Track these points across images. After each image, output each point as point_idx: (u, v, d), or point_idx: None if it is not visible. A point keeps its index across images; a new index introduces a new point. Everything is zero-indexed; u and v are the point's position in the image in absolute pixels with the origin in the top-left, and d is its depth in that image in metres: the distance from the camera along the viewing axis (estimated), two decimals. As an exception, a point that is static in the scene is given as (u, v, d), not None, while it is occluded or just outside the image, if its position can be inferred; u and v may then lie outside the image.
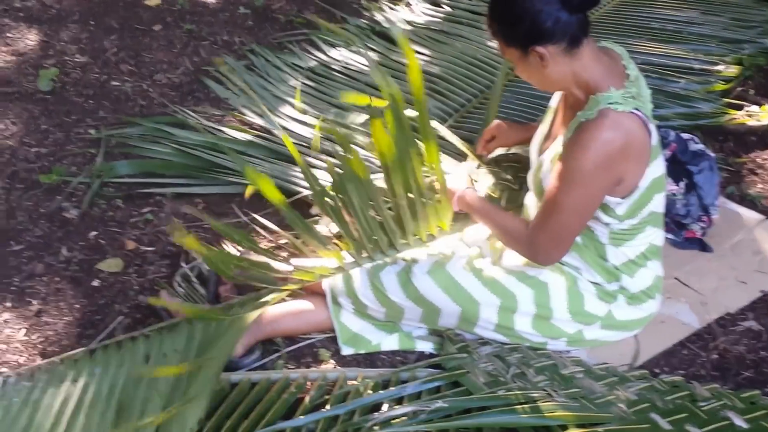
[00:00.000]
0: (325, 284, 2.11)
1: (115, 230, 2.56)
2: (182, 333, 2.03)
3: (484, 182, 2.33)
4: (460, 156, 2.49)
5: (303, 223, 1.98)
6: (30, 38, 3.44)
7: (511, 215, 2.04)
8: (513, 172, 2.37)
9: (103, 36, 3.47)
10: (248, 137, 2.83)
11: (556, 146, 1.90)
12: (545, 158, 1.95)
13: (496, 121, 2.36)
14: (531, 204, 2.07)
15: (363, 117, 2.87)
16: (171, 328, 2.08)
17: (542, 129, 2.08)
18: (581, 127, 1.78)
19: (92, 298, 2.33)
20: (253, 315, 1.97)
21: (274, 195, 1.85)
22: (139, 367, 1.92)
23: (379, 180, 2.26)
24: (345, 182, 1.91)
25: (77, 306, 2.30)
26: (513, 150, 2.45)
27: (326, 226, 2.44)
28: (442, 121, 2.87)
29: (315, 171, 2.57)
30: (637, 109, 1.77)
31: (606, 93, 1.77)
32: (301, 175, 2.62)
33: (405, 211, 2.05)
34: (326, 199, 1.92)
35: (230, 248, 2.45)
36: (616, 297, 2.03)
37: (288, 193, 2.55)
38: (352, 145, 1.93)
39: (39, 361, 2.11)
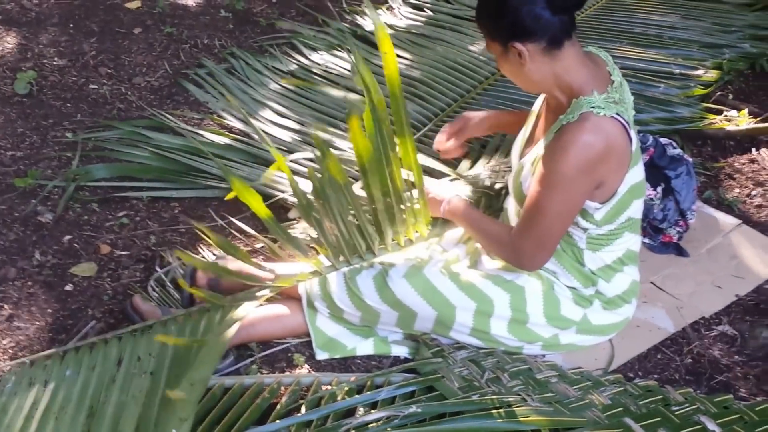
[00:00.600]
0: (301, 288, 2.11)
1: (89, 234, 2.54)
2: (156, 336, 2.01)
3: (462, 191, 2.34)
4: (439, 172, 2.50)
5: (286, 234, 1.99)
6: (8, 41, 3.42)
7: (495, 222, 2.04)
8: (492, 180, 2.38)
9: (82, 39, 3.45)
10: (227, 141, 2.83)
11: (537, 150, 1.91)
12: (526, 161, 1.95)
13: (463, 115, 2.36)
14: (511, 208, 2.07)
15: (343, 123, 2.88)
16: (144, 331, 2.07)
17: (524, 133, 2.08)
18: (562, 130, 1.79)
19: (65, 302, 2.31)
20: (247, 313, 1.96)
21: (260, 209, 1.86)
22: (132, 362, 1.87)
23: (357, 185, 2.28)
24: (324, 187, 1.92)
25: (50, 311, 2.29)
26: (492, 163, 2.46)
27: (304, 232, 2.44)
28: (422, 125, 2.87)
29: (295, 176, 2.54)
30: (618, 114, 1.78)
31: (589, 97, 1.78)
32: (279, 178, 2.62)
33: (383, 216, 2.05)
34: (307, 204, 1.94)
35: (207, 253, 2.45)
36: (592, 302, 2.04)
37: (265, 196, 2.55)
38: (332, 150, 1.93)
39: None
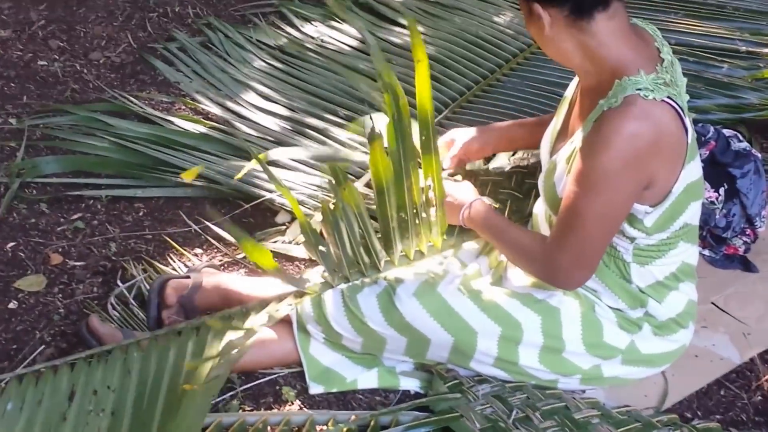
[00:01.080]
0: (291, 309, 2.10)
1: (37, 241, 2.54)
2: (116, 365, 2.02)
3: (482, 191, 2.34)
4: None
5: (286, 278, 2.06)
6: (-62, 8, 3.43)
7: (525, 231, 2.05)
8: (518, 178, 2.38)
9: (29, 5, 3.45)
10: (202, 129, 2.84)
11: (573, 143, 1.91)
12: (559, 159, 1.95)
13: (449, 133, 2.37)
14: (541, 214, 2.07)
15: (346, 111, 2.89)
16: (102, 357, 2.06)
17: (555, 124, 2.08)
18: (603, 117, 1.78)
19: (8, 323, 2.29)
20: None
21: (268, 262, 1.91)
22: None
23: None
24: (337, 220, 2.00)
25: (-11, 332, 2.29)
26: (519, 153, 2.45)
27: (295, 240, 2.46)
28: (438, 112, 2.88)
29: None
30: (670, 97, 1.78)
31: (634, 77, 1.78)
32: (265, 176, 2.58)
33: (395, 232, 2.10)
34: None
35: (178, 264, 2.45)
36: (640, 326, 2.03)
37: (249, 197, 2.59)
38: (348, 174, 1.99)
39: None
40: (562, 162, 1.94)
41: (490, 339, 2.01)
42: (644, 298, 2.01)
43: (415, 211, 2.09)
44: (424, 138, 2.01)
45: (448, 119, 2.85)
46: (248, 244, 1.86)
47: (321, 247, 2.01)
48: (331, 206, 2.00)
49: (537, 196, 2.12)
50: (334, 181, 1.98)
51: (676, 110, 1.79)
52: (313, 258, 2.19)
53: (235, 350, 1.85)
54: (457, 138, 2.35)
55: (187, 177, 1.90)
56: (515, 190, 2.34)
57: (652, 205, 1.88)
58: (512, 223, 2.10)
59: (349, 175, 2.53)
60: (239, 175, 2.20)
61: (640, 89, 1.76)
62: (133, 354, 2.04)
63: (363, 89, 2.95)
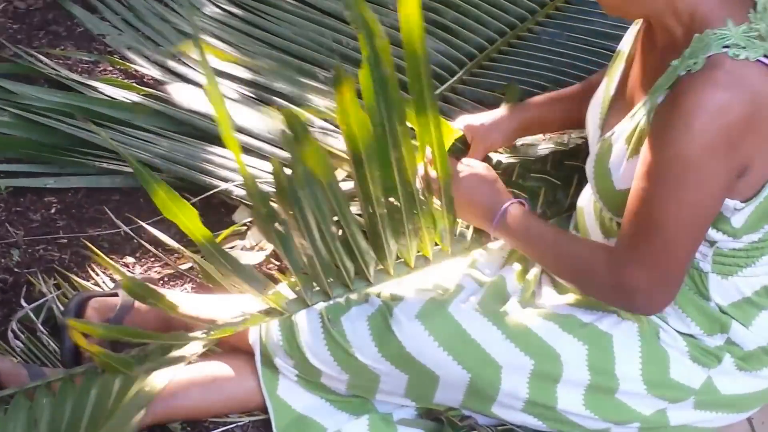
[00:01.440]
0: (253, 335, 2.12)
1: None
2: (18, 414, 2.00)
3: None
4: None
5: (238, 269, 2.03)
6: None
7: (582, 242, 2.04)
8: (555, 158, 2.37)
9: None
10: (135, 98, 2.85)
11: (636, 118, 1.90)
12: (616, 138, 1.94)
13: (459, 121, 2.37)
14: (589, 206, 2.07)
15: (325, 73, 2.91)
16: (0, 403, 2.05)
17: (606, 88, 2.08)
18: (679, 84, 1.78)
19: None
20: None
21: (195, 229, 1.91)
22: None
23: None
24: (296, 188, 1.92)
25: None
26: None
27: (255, 243, 2.48)
28: (448, 75, 2.89)
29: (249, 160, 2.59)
30: (767, 56, 1.76)
31: (720, 29, 1.77)
32: (218, 160, 2.63)
33: (384, 224, 2.06)
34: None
35: (103, 278, 2.46)
36: (720, 357, 2.02)
37: (198, 188, 2.60)
38: (312, 129, 1.95)
39: None
40: (620, 142, 1.93)
41: (519, 376, 2.01)
42: (726, 320, 2.00)
43: (411, 196, 2.04)
44: (415, 93, 1.95)
45: (464, 83, 2.85)
46: (158, 189, 1.88)
47: (277, 225, 1.96)
48: (288, 171, 1.91)
49: (581, 183, 2.12)
50: (290, 133, 1.85)
51: None
52: (271, 245, 2.25)
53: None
54: (472, 131, 2.34)
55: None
56: (551, 174, 2.34)
57: (744, 199, 1.86)
58: (561, 230, 2.10)
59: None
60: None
61: (727, 46, 1.75)
62: (42, 400, 2.01)
63: (351, 44, 2.97)
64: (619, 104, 2.01)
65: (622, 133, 1.92)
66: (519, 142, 2.49)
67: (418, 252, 2.17)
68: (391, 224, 2.06)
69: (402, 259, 2.17)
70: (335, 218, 2.01)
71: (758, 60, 1.74)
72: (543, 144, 2.42)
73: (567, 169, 2.33)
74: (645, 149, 1.81)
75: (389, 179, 1.99)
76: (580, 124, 2.21)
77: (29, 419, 1.98)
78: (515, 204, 2.09)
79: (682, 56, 1.78)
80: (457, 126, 2.37)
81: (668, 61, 1.81)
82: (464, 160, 2.19)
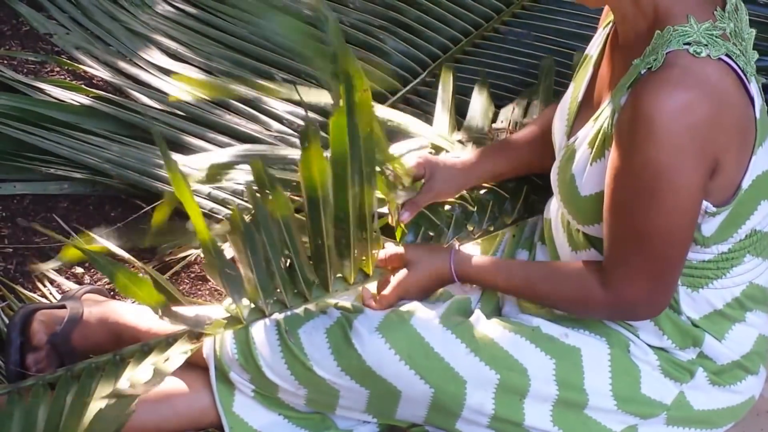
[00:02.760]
0: (207, 348, 2.10)
1: None
2: None
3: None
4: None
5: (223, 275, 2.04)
6: None
7: (563, 267, 2.03)
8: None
9: None
10: (84, 100, 2.82)
11: (599, 120, 1.90)
12: (580, 142, 1.95)
13: (419, 155, 2.34)
14: (556, 221, 2.07)
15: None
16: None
17: (572, 93, 2.08)
18: (640, 83, 1.78)
19: None
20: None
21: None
22: None
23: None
24: (255, 227, 1.99)
25: None
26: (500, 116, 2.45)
27: None
28: (412, 76, 2.89)
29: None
30: (729, 56, 1.77)
31: (681, 26, 1.77)
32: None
33: (332, 247, 2.09)
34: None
35: (51, 288, 2.44)
36: (692, 372, 2.03)
37: (150, 195, 2.60)
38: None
39: None
40: (583, 147, 1.93)
41: (485, 390, 2.00)
42: (698, 333, 2.00)
43: (363, 225, 2.07)
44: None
45: (427, 85, 2.86)
46: (178, 180, 1.83)
47: (227, 270, 2.02)
48: (247, 217, 1.97)
49: (530, 195, 2.18)
50: (256, 186, 1.95)
51: (737, 72, 1.78)
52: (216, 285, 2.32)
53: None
54: (431, 169, 2.29)
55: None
56: (497, 185, 2.33)
57: (717, 203, 1.86)
58: (530, 262, 2.13)
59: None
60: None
61: (689, 44, 1.75)
62: None
63: (309, 46, 2.91)
64: (585, 110, 2.01)
65: (585, 138, 1.93)
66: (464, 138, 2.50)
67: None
68: (340, 248, 2.09)
69: (362, 268, 2.16)
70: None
71: (720, 58, 1.75)
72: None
73: (516, 180, 2.34)
74: (612, 158, 1.82)
75: (342, 211, 2.02)
76: (535, 169, 2.25)
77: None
78: (457, 252, 2.11)
79: (644, 53, 1.80)
80: (410, 161, 2.31)
81: (631, 59, 1.82)
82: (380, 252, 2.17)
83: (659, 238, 1.82)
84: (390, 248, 2.19)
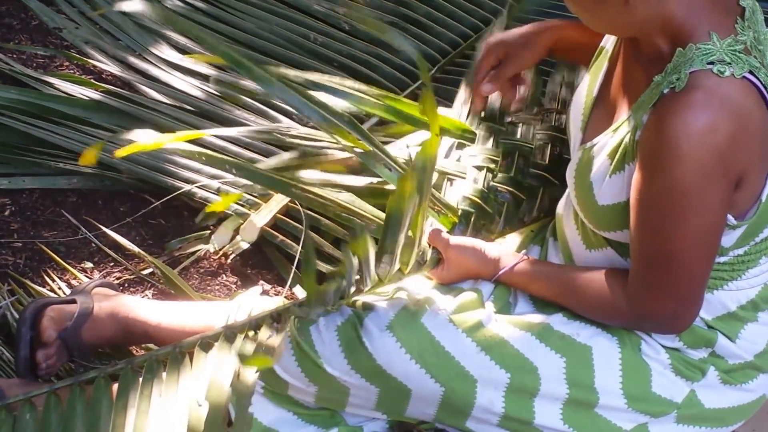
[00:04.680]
0: None
1: None
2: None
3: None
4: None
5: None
6: None
7: (595, 279, 2.01)
8: (554, 148, 2.34)
9: None
10: (94, 95, 2.82)
11: (619, 134, 1.89)
12: (598, 151, 1.93)
13: (493, 37, 2.31)
14: (568, 219, 2.06)
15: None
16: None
17: (588, 86, 2.06)
18: (662, 104, 1.77)
19: None
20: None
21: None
22: None
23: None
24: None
25: None
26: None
27: (219, 247, 2.48)
28: (414, 77, 2.90)
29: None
30: (753, 73, 1.77)
31: (703, 44, 1.76)
32: (182, 161, 2.63)
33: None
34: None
35: (60, 283, 2.44)
36: (704, 371, 2.02)
37: (160, 189, 2.61)
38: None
39: None
40: (602, 156, 1.92)
41: (495, 389, 1.99)
42: (711, 334, 2.00)
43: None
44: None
45: (436, 81, 2.85)
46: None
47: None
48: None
49: (561, 190, 2.11)
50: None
51: (761, 91, 1.77)
52: (239, 247, 2.39)
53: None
54: (506, 48, 2.26)
55: (85, 161, 1.83)
56: (551, 170, 2.30)
57: (739, 216, 1.87)
58: (564, 272, 2.08)
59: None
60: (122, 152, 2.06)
61: (712, 62, 1.74)
62: (26, 416, 2.00)
63: (320, 39, 2.99)
64: (601, 110, 2.01)
65: (605, 147, 1.92)
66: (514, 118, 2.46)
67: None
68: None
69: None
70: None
71: (743, 77, 1.74)
72: (539, 127, 2.40)
73: (563, 165, 2.29)
74: (636, 178, 1.81)
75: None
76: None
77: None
78: (523, 261, 2.09)
79: (665, 71, 1.78)
80: (491, 44, 2.28)
81: (652, 75, 1.81)
82: (452, 238, 2.15)
83: (685, 257, 1.83)
84: (437, 235, 2.18)
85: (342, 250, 1.98)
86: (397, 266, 2.10)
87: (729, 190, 1.80)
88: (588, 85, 2.06)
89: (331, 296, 2.03)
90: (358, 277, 2.06)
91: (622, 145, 1.85)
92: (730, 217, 1.86)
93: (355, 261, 2.04)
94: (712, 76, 1.73)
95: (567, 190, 2.06)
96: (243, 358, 1.97)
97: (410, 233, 2.01)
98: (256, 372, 1.94)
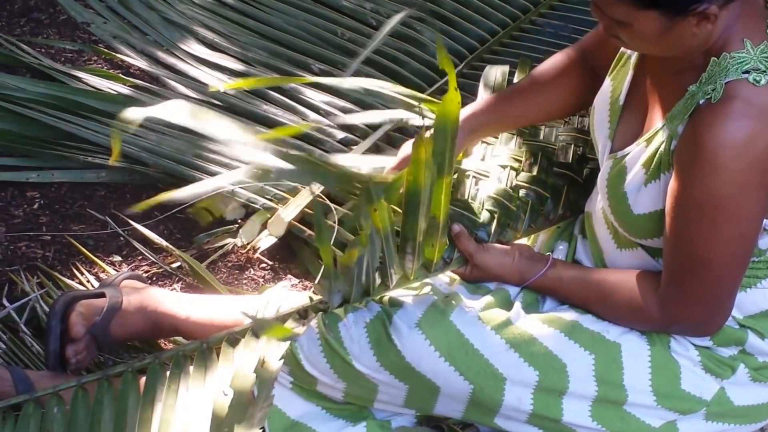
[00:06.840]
0: None
1: None
2: (30, 424, 2.00)
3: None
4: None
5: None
6: None
7: (625, 284, 2.01)
8: (576, 149, 2.33)
9: None
10: (122, 89, 2.83)
11: (653, 145, 1.88)
12: (631, 161, 1.93)
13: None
14: (600, 220, 2.06)
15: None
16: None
17: (611, 90, 2.05)
18: (699, 115, 1.76)
19: None
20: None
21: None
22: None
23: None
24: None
25: None
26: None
27: (247, 241, 2.50)
28: (442, 72, 2.83)
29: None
30: None
31: (737, 52, 1.76)
32: (208, 155, 2.63)
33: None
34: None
35: (89, 276, 2.45)
36: (734, 368, 2.02)
37: (188, 183, 2.54)
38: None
39: None
40: (636, 167, 1.92)
41: (524, 388, 2.00)
42: (742, 332, 2.00)
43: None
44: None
45: (464, 77, 2.85)
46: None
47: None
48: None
49: (590, 190, 2.12)
50: (364, 201, 1.91)
51: None
52: (264, 243, 2.40)
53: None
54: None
55: (115, 158, 1.86)
56: (575, 169, 2.29)
57: None
58: (594, 277, 2.07)
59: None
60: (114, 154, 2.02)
61: (747, 71, 1.74)
62: (53, 410, 2.00)
63: (347, 35, 2.99)
64: (630, 118, 2.00)
65: (638, 158, 1.92)
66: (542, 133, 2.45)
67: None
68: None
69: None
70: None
71: None
72: (562, 129, 2.39)
73: (590, 166, 2.32)
74: (672, 187, 1.82)
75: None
76: (561, 115, 2.27)
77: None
78: (557, 265, 2.10)
79: (700, 81, 1.78)
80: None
81: (685, 84, 1.81)
82: (479, 246, 2.14)
83: (719, 265, 1.84)
84: (464, 241, 2.15)
85: (361, 219, 1.94)
86: (421, 260, 2.10)
87: (766, 200, 1.80)
88: (612, 91, 2.05)
89: (354, 270, 2.02)
90: (381, 254, 2.05)
91: (657, 155, 1.85)
92: (766, 221, 1.86)
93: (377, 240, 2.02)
94: (748, 86, 1.73)
95: (594, 189, 2.06)
96: (263, 330, 1.98)
97: (434, 215, 2.01)
98: (281, 360, 1.94)
